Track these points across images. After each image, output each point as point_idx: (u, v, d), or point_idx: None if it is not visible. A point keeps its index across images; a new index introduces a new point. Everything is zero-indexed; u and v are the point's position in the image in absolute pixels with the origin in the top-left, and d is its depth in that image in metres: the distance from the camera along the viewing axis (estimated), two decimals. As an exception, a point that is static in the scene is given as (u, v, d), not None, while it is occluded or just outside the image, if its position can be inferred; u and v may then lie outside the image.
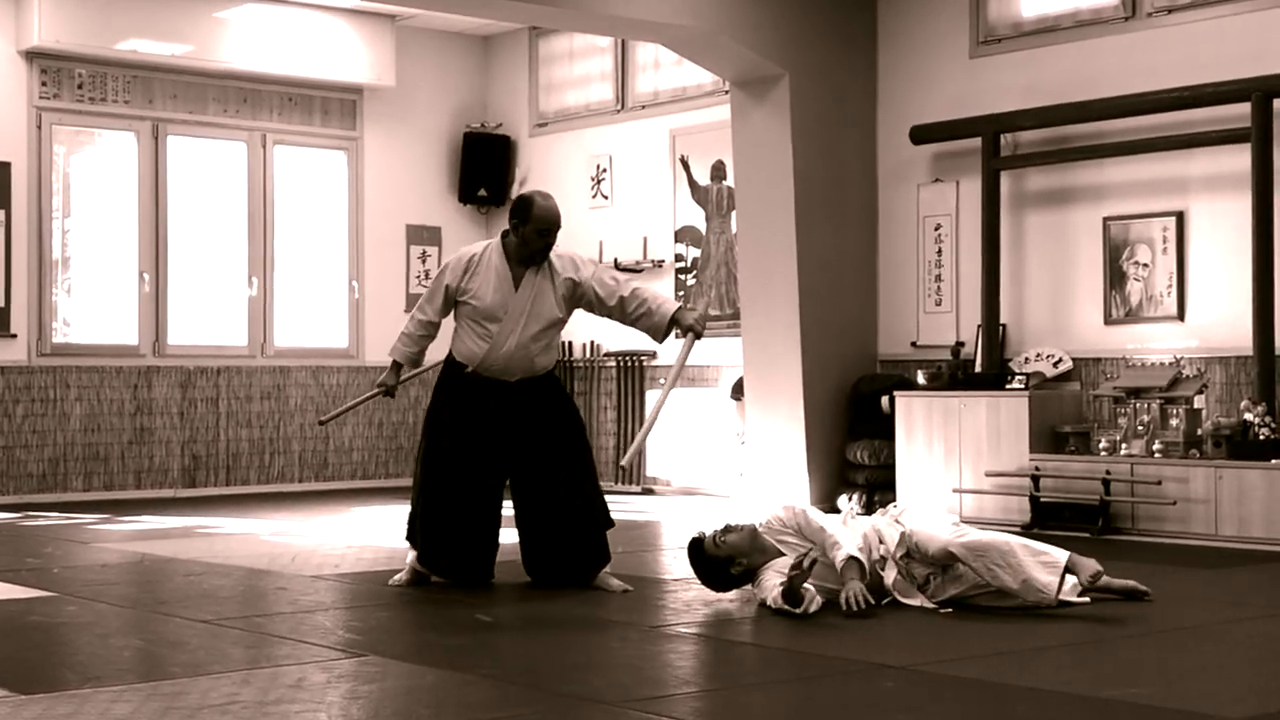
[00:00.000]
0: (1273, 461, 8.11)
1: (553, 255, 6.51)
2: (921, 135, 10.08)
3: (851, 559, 5.72)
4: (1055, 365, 9.48)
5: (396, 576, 6.66)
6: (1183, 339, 9.04)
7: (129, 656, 5.10)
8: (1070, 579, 5.77)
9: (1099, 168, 9.44)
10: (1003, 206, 9.78)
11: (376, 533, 8.72)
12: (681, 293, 11.54)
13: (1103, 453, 8.79)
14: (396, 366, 6.71)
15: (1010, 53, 9.88)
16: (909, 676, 4.67)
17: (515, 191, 12.34)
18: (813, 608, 5.60)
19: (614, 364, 12.02)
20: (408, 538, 6.66)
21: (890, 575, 5.88)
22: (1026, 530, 8.50)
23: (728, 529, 5.99)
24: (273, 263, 12.08)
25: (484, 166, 12.82)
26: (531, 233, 6.41)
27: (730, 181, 11.08)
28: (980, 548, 5.74)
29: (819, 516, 5.95)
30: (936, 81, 10.21)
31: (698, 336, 6.47)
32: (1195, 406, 8.62)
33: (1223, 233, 8.91)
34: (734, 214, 10.83)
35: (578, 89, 12.48)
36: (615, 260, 11.80)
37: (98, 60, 11.20)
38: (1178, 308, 9.08)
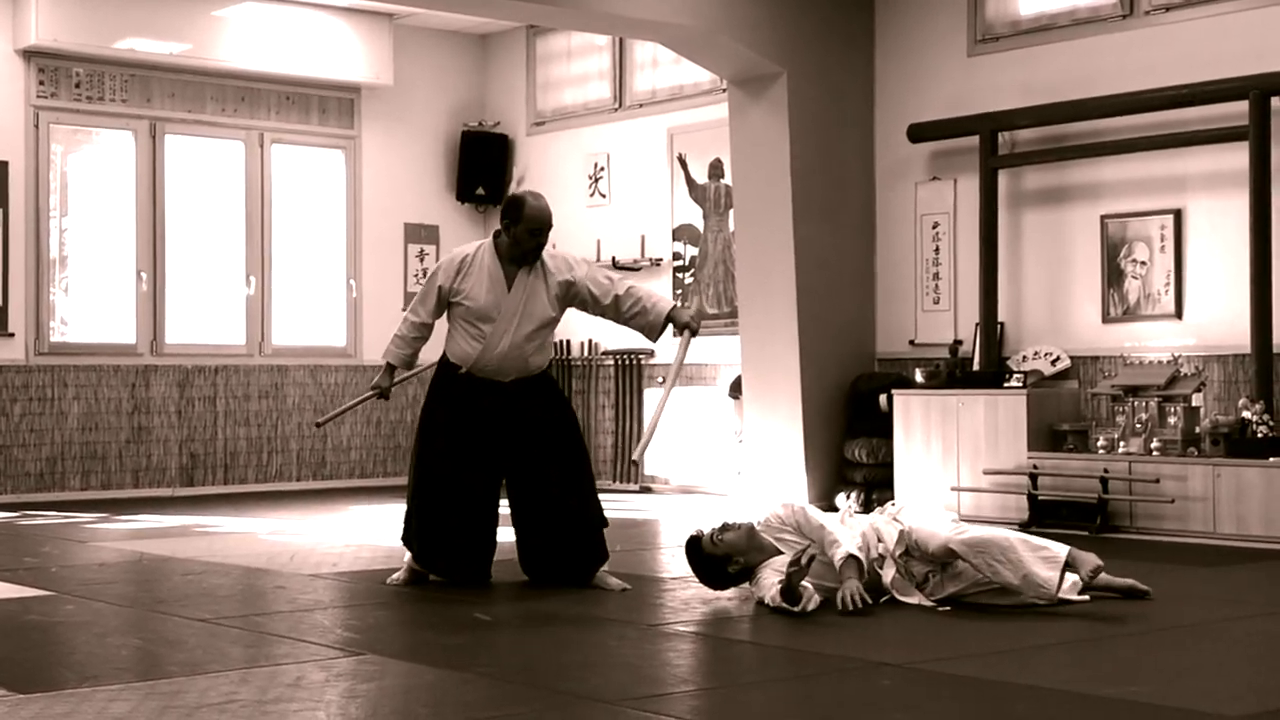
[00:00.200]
0: (1270, 459, 8.11)
1: (546, 255, 6.51)
2: (919, 133, 10.08)
3: (850, 557, 5.72)
4: (1053, 363, 9.48)
5: (394, 575, 6.65)
6: (1180, 337, 9.04)
7: (127, 655, 5.09)
8: (1070, 577, 5.77)
9: (1097, 166, 9.44)
10: (1001, 205, 9.78)
11: (374, 531, 8.72)
12: (679, 291, 11.54)
13: (1101, 451, 8.79)
14: (390, 368, 6.70)
15: (1008, 51, 9.88)
16: (907, 674, 4.67)
17: (513, 190, 12.36)
18: (811, 606, 5.60)
19: (612, 363, 12.02)
20: (403, 540, 6.66)
21: (889, 574, 5.88)
22: (1024, 529, 8.50)
23: (725, 527, 5.99)
24: (270, 262, 12.07)
25: (482, 165, 12.82)
26: (523, 233, 6.40)
27: (728, 180, 11.08)
28: (980, 544, 5.74)
29: (818, 514, 5.95)
30: (934, 80, 10.21)
31: (694, 334, 6.48)
32: (1193, 404, 8.62)
33: (1220, 231, 8.91)
34: (732, 212, 10.83)
35: (575, 87, 12.48)
36: (613, 259, 11.80)
37: (95, 59, 11.20)
38: (1175, 306, 9.08)
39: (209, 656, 4.95)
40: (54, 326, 11.20)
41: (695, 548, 6.05)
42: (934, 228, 10.24)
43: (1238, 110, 8.63)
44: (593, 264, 6.83)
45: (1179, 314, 9.07)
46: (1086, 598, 5.83)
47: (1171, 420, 8.61)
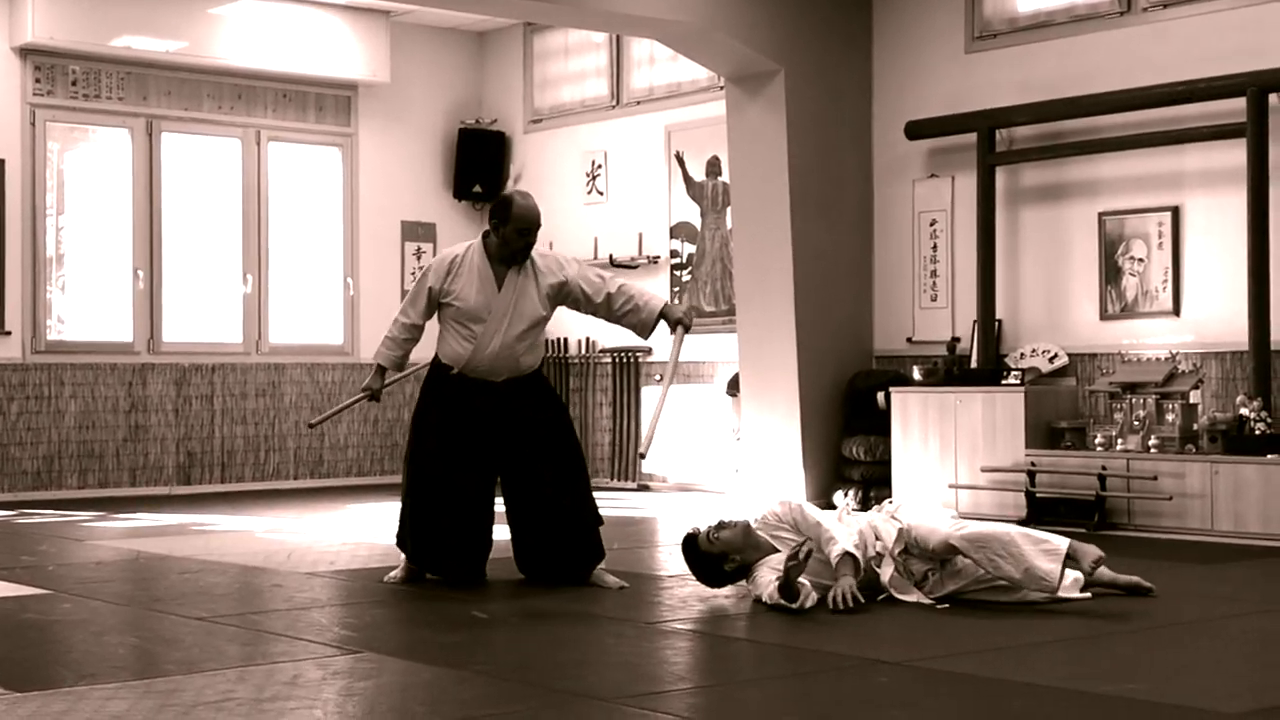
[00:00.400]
0: (1268, 456, 8.11)
1: (536, 256, 6.50)
2: (917, 131, 10.07)
3: (846, 554, 5.72)
4: (1051, 360, 9.48)
5: (392, 573, 6.65)
6: (1178, 334, 9.04)
7: (124, 654, 5.09)
8: (1071, 574, 5.77)
9: (1094, 163, 9.44)
10: (998, 202, 9.78)
11: (372, 529, 8.71)
12: (677, 289, 11.54)
13: (1099, 448, 8.79)
14: (380, 370, 6.69)
15: (1005, 48, 9.87)
16: (904, 672, 4.67)
17: (510, 187, 12.36)
18: (809, 603, 5.59)
19: (610, 360, 12.01)
20: (398, 543, 6.65)
21: (887, 572, 5.87)
22: (1023, 526, 8.49)
23: (721, 525, 5.99)
24: (267, 259, 12.06)
25: (479, 163, 12.81)
26: (512, 232, 6.40)
27: (725, 177, 11.07)
28: (981, 538, 5.73)
29: (815, 511, 5.94)
30: (932, 77, 10.21)
31: (686, 330, 6.49)
32: (1191, 402, 8.62)
33: (1218, 228, 8.91)
34: (729, 210, 10.82)
35: (573, 85, 12.47)
36: (611, 257, 11.80)
37: (92, 57, 11.19)
38: (1173, 303, 9.08)
39: (206, 655, 4.95)
40: (50, 325, 11.19)
41: (691, 546, 6.04)
42: (932, 225, 10.24)
43: (1235, 107, 8.63)
44: (583, 263, 6.83)
45: (1177, 311, 9.07)
46: (1089, 595, 5.83)
47: (1169, 417, 8.61)
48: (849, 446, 10.07)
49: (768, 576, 5.75)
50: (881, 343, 10.50)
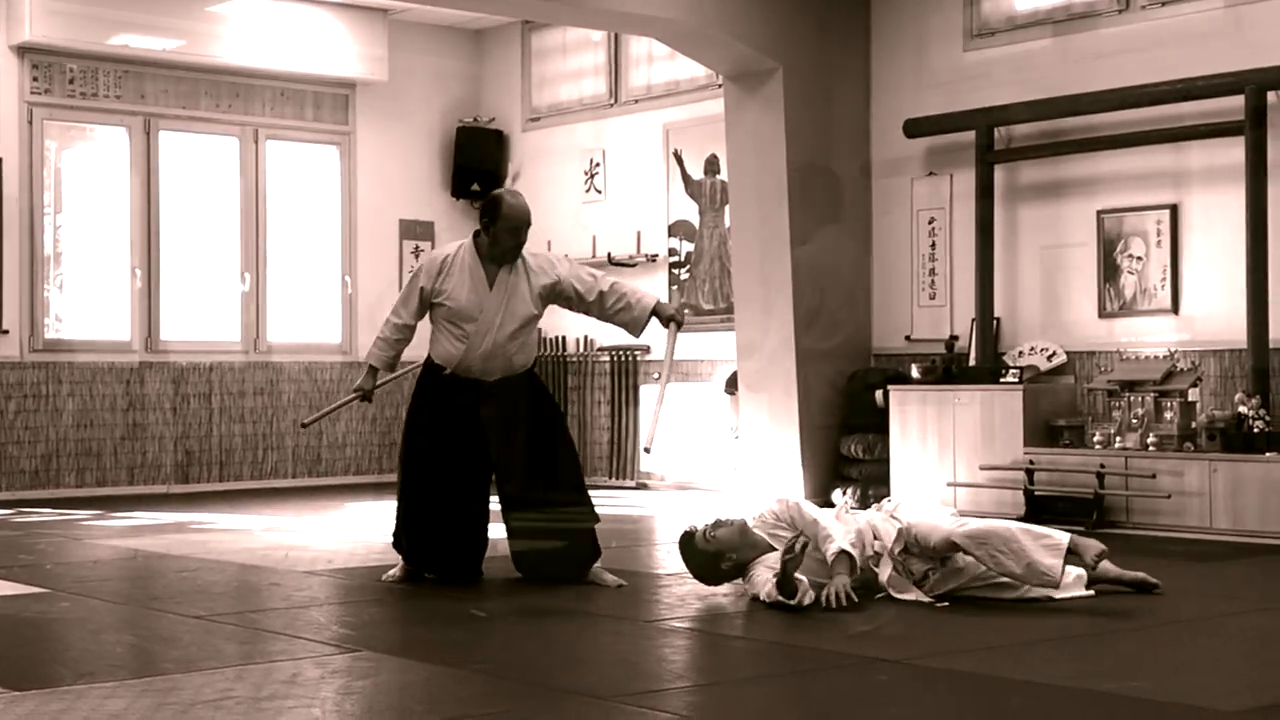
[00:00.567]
0: (1267, 454, 8.11)
1: (527, 255, 6.50)
2: (915, 129, 10.07)
3: (842, 553, 5.71)
4: (1049, 359, 9.48)
5: (390, 572, 6.64)
6: (1177, 332, 9.04)
7: (122, 652, 5.09)
8: (1073, 571, 5.77)
9: (1092, 161, 9.43)
10: (996, 200, 9.78)
11: (370, 528, 8.70)
12: (675, 287, 11.53)
13: (1097, 446, 8.79)
14: (372, 370, 6.69)
15: (1004, 46, 9.87)
16: (902, 670, 4.67)
17: (508, 186, 12.34)
18: (806, 600, 5.59)
19: (608, 359, 12.01)
20: (394, 544, 6.64)
21: (885, 572, 5.86)
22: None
23: (718, 524, 5.99)
24: (265, 258, 12.05)
25: (477, 161, 12.80)
26: (502, 231, 6.40)
27: (724, 175, 11.07)
28: (982, 535, 5.73)
29: (813, 510, 5.94)
30: (930, 75, 10.20)
31: (679, 326, 6.51)
32: (1189, 400, 8.62)
33: (1216, 225, 8.91)
34: (727, 208, 10.82)
35: (571, 83, 12.46)
36: (609, 255, 11.79)
37: (89, 55, 11.17)
38: (1172, 301, 9.08)
39: (204, 653, 4.95)
40: (48, 323, 11.18)
41: (688, 544, 6.04)
42: (930, 223, 10.24)
43: (1233, 105, 8.62)
44: (574, 262, 6.83)
45: (1175, 309, 9.07)
46: (1092, 592, 5.83)
47: (1168, 415, 8.61)
48: (847, 445, 10.07)
49: (765, 575, 5.75)
50: (880, 341, 10.49)
